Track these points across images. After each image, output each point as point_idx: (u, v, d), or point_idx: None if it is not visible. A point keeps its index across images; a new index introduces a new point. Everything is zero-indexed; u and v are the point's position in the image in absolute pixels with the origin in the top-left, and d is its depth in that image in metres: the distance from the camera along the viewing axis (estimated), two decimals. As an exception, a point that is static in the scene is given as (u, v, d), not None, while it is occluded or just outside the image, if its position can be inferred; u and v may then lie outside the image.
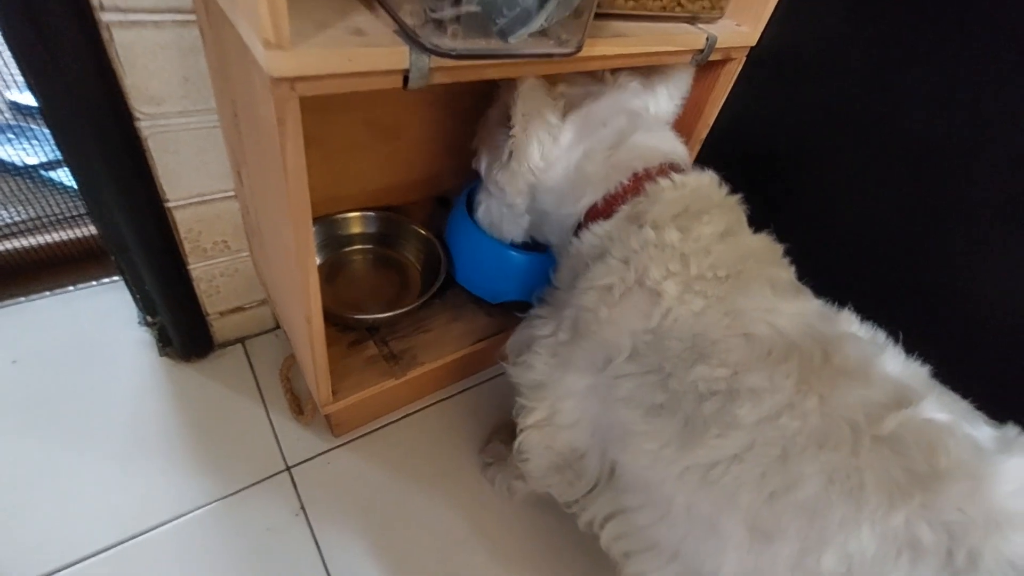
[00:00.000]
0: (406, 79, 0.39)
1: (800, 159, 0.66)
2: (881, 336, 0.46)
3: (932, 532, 0.35)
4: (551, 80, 0.60)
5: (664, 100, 0.64)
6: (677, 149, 0.59)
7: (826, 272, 0.52)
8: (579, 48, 0.44)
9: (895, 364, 0.42)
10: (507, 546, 0.70)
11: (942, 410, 0.39)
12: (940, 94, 0.52)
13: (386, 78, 0.38)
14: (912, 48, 0.54)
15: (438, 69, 0.40)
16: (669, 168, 0.54)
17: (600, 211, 0.55)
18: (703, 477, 0.43)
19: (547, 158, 0.58)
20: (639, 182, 0.53)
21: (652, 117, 0.63)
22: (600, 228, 0.54)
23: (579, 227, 0.57)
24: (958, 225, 0.54)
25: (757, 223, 0.55)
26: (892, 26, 0.54)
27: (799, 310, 0.46)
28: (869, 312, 0.48)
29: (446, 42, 0.37)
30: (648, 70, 0.63)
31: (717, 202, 0.53)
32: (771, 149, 0.69)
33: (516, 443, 0.59)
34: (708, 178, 0.55)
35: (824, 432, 0.39)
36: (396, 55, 0.37)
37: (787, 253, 0.53)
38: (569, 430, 0.56)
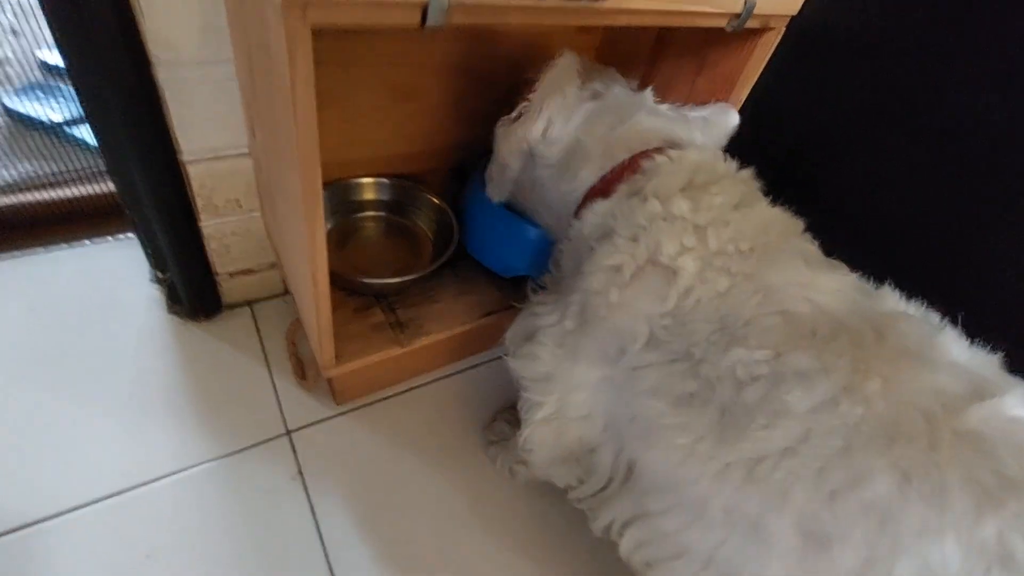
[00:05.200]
0: (424, 16, 0.38)
1: (840, 143, 0.63)
2: (934, 316, 0.41)
3: None
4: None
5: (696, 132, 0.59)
6: (681, 132, 0.55)
7: (865, 263, 0.48)
8: (607, -5, 0.41)
9: (959, 348, 0.38)
10: (504, 526, 0.68)
11: None
12: (1003, 78, 0.49)
13: (403, 11, 0.37)
14: (971, 27, 0.50)
15: (458, 7, 0.38)
16: (667, 147, 0.52)
17: (598, 190, 0.53)
18: (748, 474, 0.38)
19: (552, 136, 0.57)
20: (635, 161, 0.51)
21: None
22: (601, 207, 0.52)
23: (578, 209, 0.55)
24: (1013, 220, 0.50)
25: (791, 208, 0.51)
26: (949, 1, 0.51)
27: (838, 285, 0.42)
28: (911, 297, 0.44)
29: (467, -26, 0.35)
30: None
31: (723, 174, 0.50)
32: (808, 132, 0.65)
33: (521, 437, 0.56)
34: (710, 153, 0.52)
35: (894, 421, 0.34)
36: (414, -15, 0.35)
37: (826, 240, 0.49)
38: (580, 423, 0.52)
